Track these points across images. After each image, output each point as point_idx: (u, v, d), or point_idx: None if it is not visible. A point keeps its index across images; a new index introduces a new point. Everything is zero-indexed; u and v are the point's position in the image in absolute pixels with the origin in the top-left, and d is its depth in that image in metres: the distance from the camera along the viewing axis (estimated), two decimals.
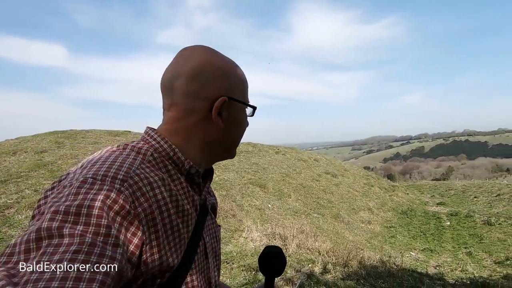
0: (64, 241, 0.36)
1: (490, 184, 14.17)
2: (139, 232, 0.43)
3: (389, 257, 4.55)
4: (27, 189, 4.52)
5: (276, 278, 0.70)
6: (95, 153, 0.54)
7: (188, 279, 0.53)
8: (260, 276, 2.64)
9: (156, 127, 0.60)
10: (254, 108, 0.63)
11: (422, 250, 6.74)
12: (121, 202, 0.42)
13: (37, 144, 7.32)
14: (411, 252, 6.41)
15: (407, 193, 13.22)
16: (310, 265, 2.91)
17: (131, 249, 0.42)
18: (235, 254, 3.12)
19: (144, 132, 0.59)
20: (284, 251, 3.67)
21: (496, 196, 11.27)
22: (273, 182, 8.60)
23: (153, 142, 0.56)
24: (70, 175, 0.48)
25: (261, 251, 0.72)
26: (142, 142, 0.56)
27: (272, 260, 0.67)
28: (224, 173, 7.93)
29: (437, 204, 11.83)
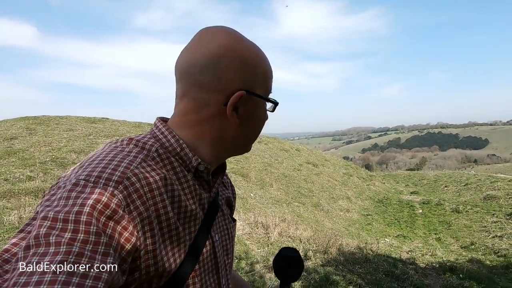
0: (50, 250, 0.34)
1: (459, 174, 15.03)
2: (133, 237, 0.41)
3: (366, 243, 4.76)
4: None
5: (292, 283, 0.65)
6: (98, 149, 0.51)
7: (191, 281, 0.50)
8: (243, 264, 2.67)
9: (167, 116, 0.56)
10: (276, 103, 0.56)
11: (396, 237, 7.10)
12: (114, 206, 0.39)
13: (6, 130, 6.90)
14: (385, 239, 6.73)
15: (384, 183, 13.77)
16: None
17: (124, 255, 0.40)
18: None
19: (154, 124, 0.55)
20: (266, 239, 3.76)
21: (464, 185, 11.98)
22: (255, 171, 8.66)
23: (160, 136, 0.52)
24: (68, 174, 0.46)
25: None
26: (149, 136, 0.53)
27: (289, 265, 0.62)
28: None
29: (411, 193, 12.42)
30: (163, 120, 0.56)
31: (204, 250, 0.54)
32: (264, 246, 3.18)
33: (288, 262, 0.62)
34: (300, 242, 3.45)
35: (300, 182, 9.42)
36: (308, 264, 2.89)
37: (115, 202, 0.40)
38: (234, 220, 0.67)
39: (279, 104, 0.56)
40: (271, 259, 2.84)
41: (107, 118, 9.41)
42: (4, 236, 2.65)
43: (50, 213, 0.37)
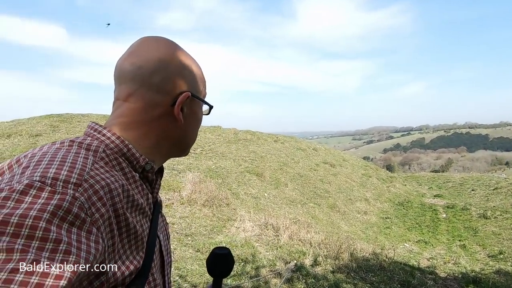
0: (0, 257, 0.31)
1: (488, 177, 14.16)
2: (100, 240, 0.40)
3: (382, 249, 4.55)
4: None
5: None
6: (33, 149, 0.48)
7: (150, 278, 0.52)
8: (249, 268, 2.62)
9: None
10: (211, 106, 0.62)
11: (416, 242, 6.78)
12: (76, 210, 0.38)
13: (32, 127, 7.25)
14: (405, 244, 6.44)
15: (405, 185, 13.24)
16: (300, 257, 2.89)
17: (91, 259, 0.37)
18: (224, 244, 3.10)
19: (88, 127, 0.55)
20: (275, 242, 3.66)
21: (493, 189, 11.27)
22: (270, 170, 8.57)
23: (103, 138, 0.51)
24: (4, 174, 0.42)
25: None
26: (89, 138, 0.51)
27: (220, 262, 0.68)
28: (220, 160, 7.88)
29: (434, 196, 11.86)
30: (98, 124, 0.55)
31: (155, 249, 0.54)
32: (273, 249, 3.09)
33: (219, 260, 0.67)
34: (311, 246, 3.32)
35: (316, 183, 9.23)
36: (317, 270, 2.77)
37: (78, 206, 0.38)
38: (167, 223, 0.71)
39: (213, 108, 0.63)
40: (278, 264, 2.75)
41: None
42: None
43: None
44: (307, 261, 2.82)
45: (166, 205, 4.18)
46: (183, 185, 4.67)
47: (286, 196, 7.38)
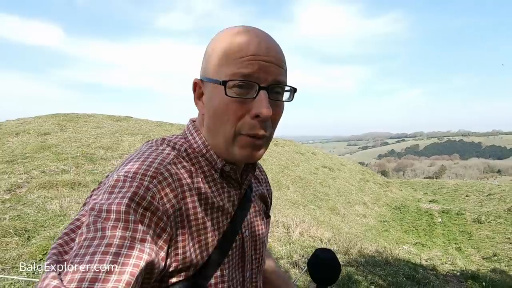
0: (97, 235, 0.39)
1: (481, 184, 14.54)
2: (168, 227, 0.45)
3: (385, 247, 4.75)
4: (34, 169, 4.58)
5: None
6: (136, 148, 0.56)
7: (219, 273, 0.52)
8: None
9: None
10: (223, 84, 0.48)
11: (414, 244, 7.00)
12: (149, 198, 0.43)
13: (39, 126, 7.33)
14: (403, 246, 6.65)
15: (401, 190, 13.51)
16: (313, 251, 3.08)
17: (160, 243, 0.44)
18: None
19: (186, 126, 0.59)
20: (287, 238, 3.82)
21: (487, 195, 11.60)
22: (272, 173, 8.75)
23: (190, 137, 0.56)
24: (112, 173, 0.50)
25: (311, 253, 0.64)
26: (180, 137, 0.57)
27: (326, 267, 0.60)
28: None
29: (430, 201, 12.15)
30: (192, 121, 0.59)
31: (234, 244, 0.55)
32: (286, 245, 3.27)
33: (324, 264, 0.60)
34: (321, 242, 3.52)
35: (316, 186, 9.43)
36: None
37: (151, 195, 0.44)
38: (269, 216, 0.67)
39: (227, 84, 0.47)
40: (295, 256, 2.92)
41: (131, 117, 9.78)
42: (50, 222, 2.88)
43: (96, 205, 0.42)
44: None
45: None
46: None
47: (288, 198, 7.56)
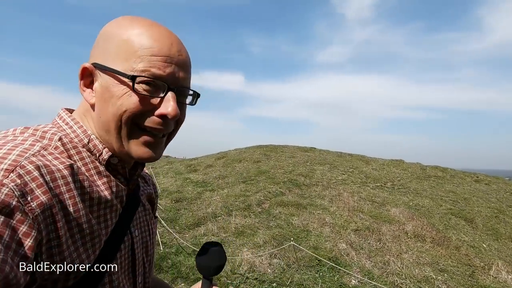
0: None
1: None
2: (34, 231, 0.37)
3: None
4: (260, 191, 6.01)
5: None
6: None
7: (107, 279, 0.47)
8: None
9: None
10: (129, 76, 0.45)
11: None
12: (3, 197, 0.35)
13: (252, 155, 9.50)
14: None
15: None
16: None
17: (23, 252, 0.36)
18: None
19: (57, 115, 0.52)
20: None
21: None
22: (481, 217, 7.12)
23: (65, 126, 0.49)
24: None
25: None
26: (50, 125, 0.50)
27: (211, 258, 0.59)
28: (416, 197, 7.36)
29: None
30: (67, 111, 0.52)
31: (122, 246, 0.50)
32: None
33: (210, 256, 0.59)
34: None
35: None
36: None
37: (5, 192, 0.36)
38: (156, 217, 0.64)
39: (136, 80, 0.45)
40: None
41: (315, 148, 10.91)
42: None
43: None
44: None
45: (393, 236, 4.37)
46: (397, 218, 4.73)
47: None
